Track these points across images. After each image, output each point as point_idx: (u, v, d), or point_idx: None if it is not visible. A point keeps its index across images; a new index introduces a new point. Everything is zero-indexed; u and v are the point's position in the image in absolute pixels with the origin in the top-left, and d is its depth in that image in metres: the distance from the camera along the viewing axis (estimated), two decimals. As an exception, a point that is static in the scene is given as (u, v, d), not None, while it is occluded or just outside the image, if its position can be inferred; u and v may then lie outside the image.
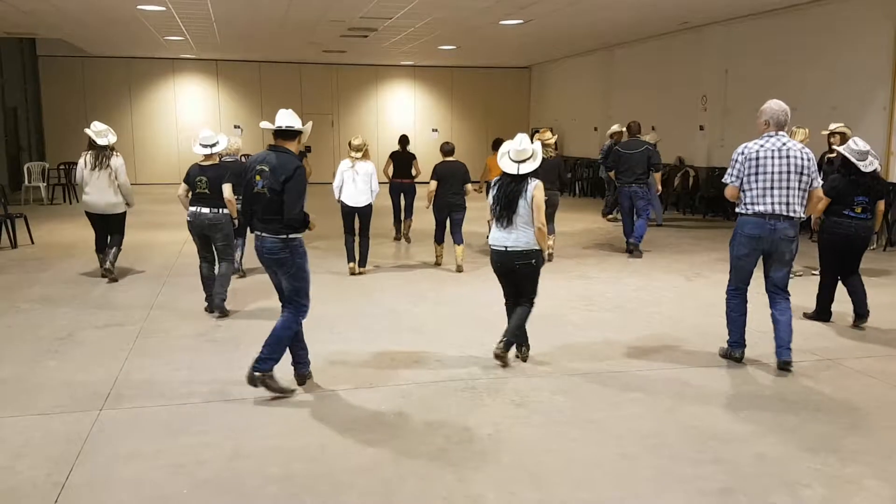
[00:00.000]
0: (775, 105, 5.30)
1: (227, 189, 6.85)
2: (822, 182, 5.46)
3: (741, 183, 5.30)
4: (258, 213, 4.82)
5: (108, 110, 19.41)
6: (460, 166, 9.07)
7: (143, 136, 20.61)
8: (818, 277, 6.88)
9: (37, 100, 19.83)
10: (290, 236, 4.78)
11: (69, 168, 16.56)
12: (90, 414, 4.54)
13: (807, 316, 6.78)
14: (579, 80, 19.90)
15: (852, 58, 11.18)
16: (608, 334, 6.33)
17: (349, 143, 8.72)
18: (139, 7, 12.23)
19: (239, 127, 20.82)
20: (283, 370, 4.93)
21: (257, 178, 4.77)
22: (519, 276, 5.42)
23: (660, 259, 9.87)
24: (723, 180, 5.51)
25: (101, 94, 20.12)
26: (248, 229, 5.18)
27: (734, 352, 5.59)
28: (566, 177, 10.13)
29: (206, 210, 6.80)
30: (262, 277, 8.16)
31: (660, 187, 11.31)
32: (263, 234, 4.81)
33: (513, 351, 5.61)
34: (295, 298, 4.87)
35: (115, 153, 8.19)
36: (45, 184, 16.48)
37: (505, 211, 5.25)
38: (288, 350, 4.94)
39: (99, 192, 8.12)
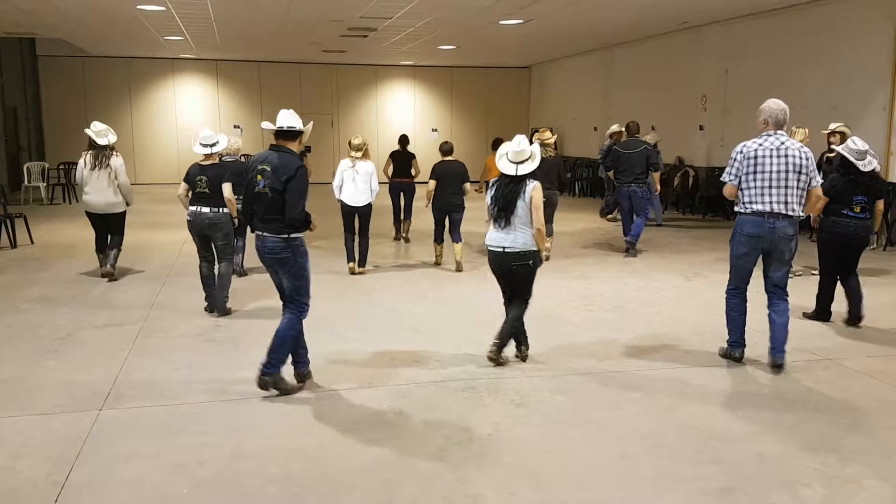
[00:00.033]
0: (774, 104, 5.31)
1: (227, 188, 6.85)
2: (821, 181, 5.47)
3: (739, 181, 5.31)
4: (259, 212, 4.83)
5: (108, 110, 19.41)
6: (459, 166, 9.07)
7: (142, 135, 20.61)
8: (818, 277, 6.88)
9: (36, 100, 19.82)
10: (292, 236, 4.79)
11: (69, 168, 16.56)
12: (90, 414, 4.54)
13: (806, 316, 6.78)
14: (579, 80, 19.90)
15: (852, 58, 11.18)
16: (608, 334, 6.33)
17: (349, 143, 8.73)
18: (139, 7, 12.22)
19: (238, 127, 20.82)
20: (284, 370, 4.92)
21: (259, 177, 4.77)
22: (516, 277, 5.42)
23: (660, 259, 9.87)
24: (721, 178, 5.52)
25: (100, 93, 20.11)
26: (249, 229, 5.18)
27: (734, 351, 5.59)
28: (566, 177, 10.13)
29: (206, 209, 6.80)
30: (262, 277, 8.16)
31: (658, 187, 11.33)
32: (265, 234, 4.82)
33: (513, 350, 5.62)
34: (296, 297, 4.87)
35: (115, 153, 8.19)
36: (44, 184, 16.47)
37: (503, 212, 5.25)
38: None
39: (99, 191, 8.13)
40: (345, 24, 14.04)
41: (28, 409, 4.62)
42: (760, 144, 5.25)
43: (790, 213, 5.21)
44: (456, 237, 9.08)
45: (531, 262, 5.33)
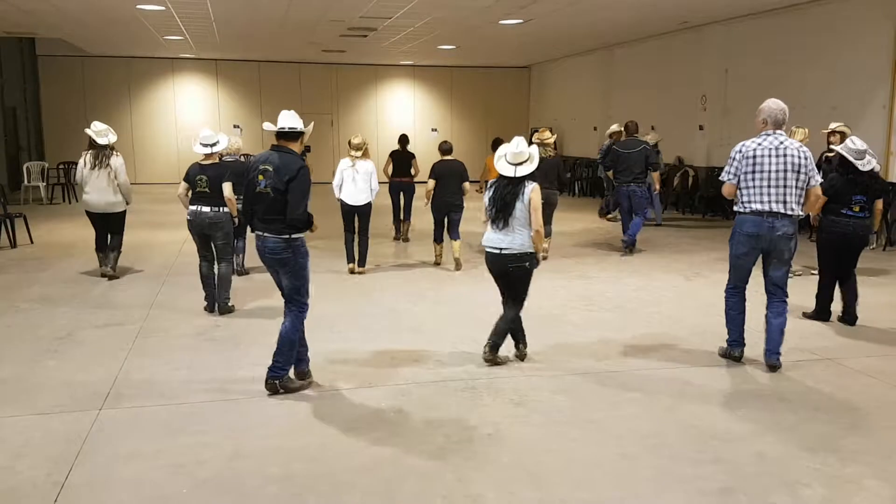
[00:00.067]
0: (773, 104, 5.31)
1: (227, 188, 6.86)
2: (820, 181, 5.47)
3: (738, 181, 5.31)
4: (259, 212, 4.83)
5: (108, 110, 19.40)
6: (458, 165, 9.07)
7: (142, 135, 20.60)
8: (817, 277, 6.88)
9: (36, 99, 19.82)
10: (293, 236, 4.79)
11: (68, 168, 16.56)
12: (90, 414, 4.54)
13: (806, 315, 6.78)
14: (579, 80, 19.90)
15: (852, 57, 11.18)
16: (608, 334, 6.33)
17: (349, 142, 8.73)
18: (139, 7, 12.22)
19: (238, 126, 20.82)
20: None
21: (260, 177, 4.77)
22: (512, 279, 5.43)
23: (659, 259, 9.87)
24: (720, 178, 5.53)
25: (100, 93, 20.11)
26: (249, 229, 5.20)
27: (733, 351, 5.59)
28: (565, 177, 10.14)
29: (206, 209, 6.80)
30: (262, 276, 8.17)
31: (657, 186, 11.34)
32: (265, 235, 4.82)
33: (511, 350, 5.62)
34: (295, 297, 4.88)
35: (115, 152, 8.20)
36: (44, 183, 16.46)
37: (501, 213, 5.26)
38: None
39: (98, 191, 8.13)
40: (345, 23, 14.04)
41: (28, 408, 4.62)
42: (759, 144, 5.25)
43: (789, 212, 5.21)
44: (454, 235, 9.09)
45: (527, 263, 5.33)
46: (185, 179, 6.92)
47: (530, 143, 8.08)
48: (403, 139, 11.49)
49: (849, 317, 6.59)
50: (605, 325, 6.64)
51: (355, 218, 8.68)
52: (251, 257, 8.25)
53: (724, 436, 4.27)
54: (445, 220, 9.10)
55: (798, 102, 10.96)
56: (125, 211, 8.43)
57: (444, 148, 9.29)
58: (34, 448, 4.08)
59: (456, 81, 22.48)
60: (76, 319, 6.71)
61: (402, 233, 11.24)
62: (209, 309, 6.98)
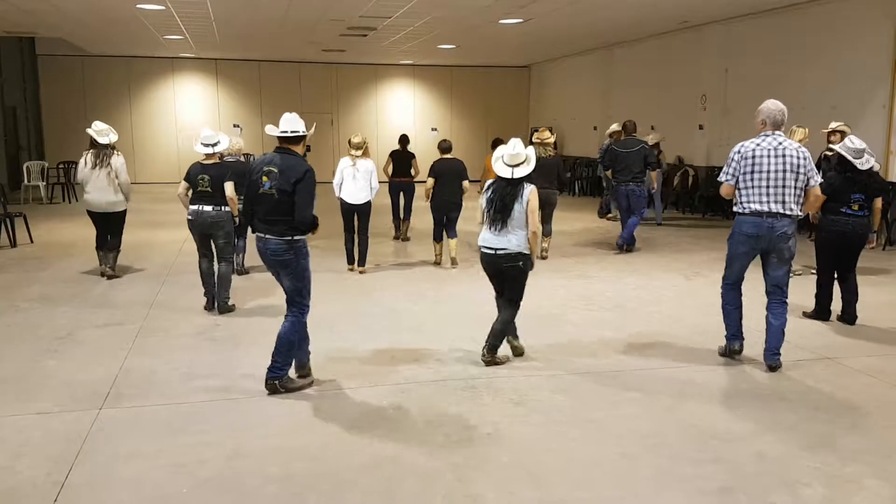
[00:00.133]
0: (772, 105, 5.33)
1: (229, 187, 6.86)
2: (820, 180, 5.48)
3: (737, 182, 5.32)
4: (261, 213, 4.83)
5: (108, 109, 19.41)
6: (458, 164, 9.07)
7: (142, 135, 20.60)
8: (816, 277, 6.88)
9: (36, 99, 19.81)
10: (295, 238, 4.80)
11: (68, 167, 16.56)
12: (90, 413, 4.54)
13: (806, 315, 6.78)
14: (579, 80, 19.89)
15: (852, 57, 11.18)
16: (608, 333, 6.33)
17: (349, 141, 8.73)
18: (139, 6, 12.22)
19: (238, 126, 20.82)
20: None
21: (264, 178, 4.77)
22: (507, 278, 5.44)
23: (659, 258, 9.87)
24: (718, 178, 5.53)
25: (100, 93, 20.10)
26: (250, 229, 5.21)
27: (732, 344, 5.60)
28: (565, 176, 10.16)
29: (208, 208, 6.81)
30: (262, 276, 8.17)
31: (655, 185, 11.38)
32: (267, 236, 4.82)
33: (510, 351, 5.63)
34: (296, 298, 4.88)
35: (115, 152, 8.21)
36: (44, 183, 16.46)
37: (499, 214, 5.27)
38: None
39: (99, 190, 8.14)
40: (344, 23, 14.04)
41: (28, 408, 4.62)
42: (758, 144, 5.26)
43: (788, 212, 5.22)
44: (451, 233, 9.12)
45: (521, 263, 5.34)
46: (186, 179, 6.92)
47: (530, 142, 8.12)
48: (404, 139, 11.49)
49: (848, 316, 6.60)
50: (604, 324, 6.64)
51: (355, 217, 8.69)
52: (251, 257, 8.26)
53: (724, 435, 4.27)
54: (444, 219, 9.11)
55: (798, 102, 10.97)
56: (125, 210, 8.43)
57: (444, 147, 9.30)
58: (34, 448, 4.08)
59: (456, 81, 22.48)
60: (76, 319, 6.71)
61: (402, 232, 11.25)
62: (209, 307, 6.99)
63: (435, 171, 9.01)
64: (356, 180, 8.51)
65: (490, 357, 5.43)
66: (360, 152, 8.55)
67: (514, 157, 5.28)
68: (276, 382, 4.82)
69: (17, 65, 18.47)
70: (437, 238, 9.30)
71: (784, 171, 5.18)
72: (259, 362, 5.16)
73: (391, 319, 6.76)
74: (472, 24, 14.12)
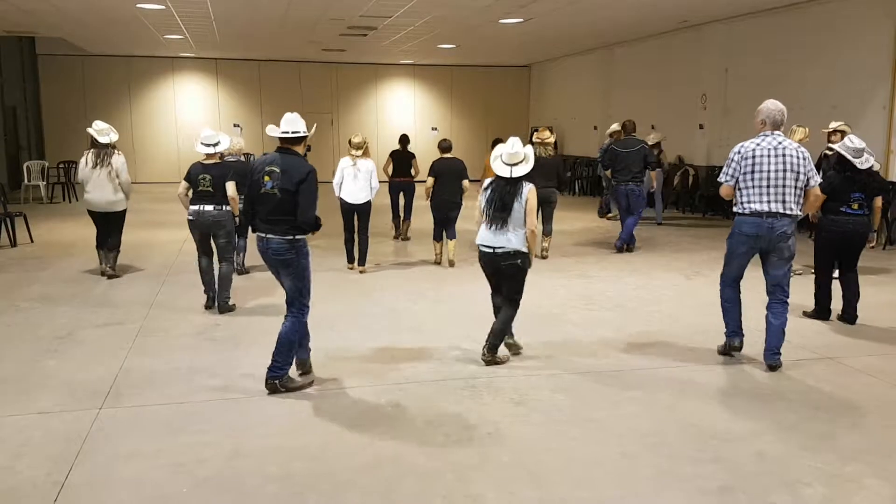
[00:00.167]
0: (772, 105, 5.34)
1: (230, 187, 6.87)
2: (819, 180, 5.48)
3: (737, 182, 5.33)
4: (263, 213, 4.84)
5: (108, 109, 19.41)
6: (458, 163, 9.07)
7: (142, 134, 20.60)
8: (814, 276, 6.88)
9: (36, 98, 19.81)
10: (296, 237, 4.80)
11: (68, 167, 16.57)
12: (90, 413, 4.54)
13: (806, 315, 6.78)
14: (579, 79, 19.89)
15: (852, 56, 11.17)
16: (608, 333, 6.33)
17: (349, 141, 8.74)
18: (139, 6, 12.22)
19: (238, 126, 20.82)
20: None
21: (266, 178, 4.78)
22: (505, 276, 5.45)
23: (659, 258, 9.87)
24: (718, 179, 5.54)
25: (100, 92, 20.10)
26: (250, 228, 5.22)
27: (733, 340, 5.61)
28: (565, 176, 10.17)
29: (209, 207, 6.81)
30: (263, 275, 8.18)
31: (655, 185, 11.41)
32: (268, 236, 4.82)
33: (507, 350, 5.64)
34: (297, 298, 4.89)
35: (116, 151, 8.22)
36: (44, 182, 16.46)
37: (499, 213, 5.27)
38: None
39: (99, 190, 8.14)
40: (344, 22, 14.04)
41: (28, 408, 4.62)
42: (758, 144, 5.27)
43: (788, 212, 5.22)
44: (451, 234, 9.12)
45: (520, 261, 5.34)
46: (187, 179, 6.92)
47: (531, 142, 8.12)
48: (404, 139, 11.49)
49: (849, 316, 6.59)
50: (605, 324, 6.64)
51: (354, 217, 8.69)
52: (251, 257, 8.27)
53: (724, 435, 4.27)
54: (444, 218, 9.11)
55: (798, 101, 10.96)
56: (125, 210, 8.44)
57: (444, 146, 9.30)
58: (34, 447, 4.08)
59: (456, 80, 22.47)
60: (76, 318, 6.71)
61: (402, 232, 11.25)
62: (209, 305, 6.99)
63: (435, 170, 9.01)
64: (356, 180, 8.51)
65: (490, 356, 5.43)
66: (360, 152, 8.56)
67: (512, 156, 5.29)
68: (277, 382, 4.82)
69: (17, 64, 18.47)
70: (437, 237, 9.30)
71: (784, 170, 5.19)
72: (259, 362, 5.16)
73: (391, 319, 6.76)
74: (472, 24, 14.12)
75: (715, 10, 12.88)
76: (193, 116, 20.63)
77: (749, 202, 5.27)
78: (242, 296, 7.40)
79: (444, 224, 9.14)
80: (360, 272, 8.73)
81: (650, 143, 12.83)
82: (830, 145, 8.63)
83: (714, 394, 4.95)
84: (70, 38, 16.95)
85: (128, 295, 7.63)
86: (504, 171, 5.31)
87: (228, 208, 6.91)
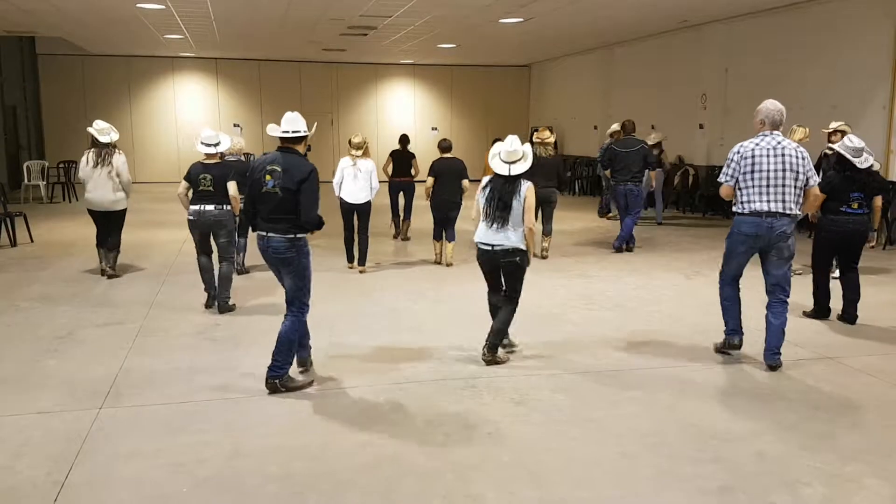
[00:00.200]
0: (771, 105, 5.35)
1: (232, 186, 6.88)
2: (818, 180, 5.49)
3: (736, 182, 5.33)
4: (264, 212, 4.85)
5: (108, 109, 19.40)
6: (458, 163, 9.07)
7: (142, 134, 20.60)
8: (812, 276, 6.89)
9: (36, 98, 19.81)
10: (297, 236, 4.82)
11: (69, 166, 16.57)
12: (90, 412, 4.54)
13: (806, 315, 6.78)
14: (579, 79, 19.89)
15: (852, 56, 11.17)
16: (608, 333, 6.33)
17: (349, 141, 8.74)
18: (139, 5, 12.22)
19: (238, 126, 20.82)
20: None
21: (268, 177, 4.80)
22: (504, 274, 5.45)
23: (660, 257, 9.87)
24: (717, 179, 5.54)
25: (100, 92, 20.10)
26: (250, 228, 5.24)
27: (732, 339, 5.61)
28: (565, 176, 10.19)
29: (210, 207, 6.82)
30: (263, 275, 8.19)
31: (654, 184, 11.43)
32: (269, 234, 4.83)
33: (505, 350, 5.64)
34: (297, 297, 4.90)
35: (117, 151, 8.23)
36: (44, 182, 16.46)
37: (500, 212, 5.27)
38: None
39: (100, 189, 8.15)
40: (345, 22, 14.04)
41: (28, 407, 4.62)
42: (757, 144, 5.28)
43: (787, 212, 5.23)
44: (450, 235, 9.11)
45: (518, 258, 5.35)
46: (187, 178, 6.91)
47: (531, 142, 8.12)
48: (404, 139, 11.49)
49: (849, 316, 6.60)
50: (605, 323, 6.64)
51: (354, 217, 8.69)
52: (252, 256, 8.27)
53: (723, 435, 4.27)
54: (444, 218, 9.11)
55: (798, 101, 10.96)
56: (126, 209, 8.44)
57: (444, 146, 9.30)
58: (34, 447, 4.08)
59: (456, 80, 22.47)
60: (76, 318, 6.71)
61: (402, 231, 11.26)
62: (209, 304, 7.00)
63: (435, 170, 9.01)
64: (357, 180, 8.52)
65: (490, 356, 5.43)
66: (360, 152, 8.56)
67: (511, 154, 5.29)
68: (277, 381, 4.83)
69: (17, 64, 18.47)
70: (437, 237, 9.30)
71: (783, 170, 5.20)
72: (259, 362, 5.16)
73: (391, 319, 6.76)
74: (472, 24, 14.12)
75: (715, 10, 12.88)
76: (193, 116, 20.63)
77: (749, 202, 5.28)
78: (242, 296, 7.40)
79: (444, 224, 9.14)
80: (361, 272, 8.73)
81: (651, 142, 12.86)
82: (830, 145, 8.64)
83: (714, 394, 4.95)
84: (70, 38, 16.94)
85: (128, 295, 7.63)
86: (503, 169, 5.31)
87: (229, 208, 6.91)
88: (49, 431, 4.28)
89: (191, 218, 6.90)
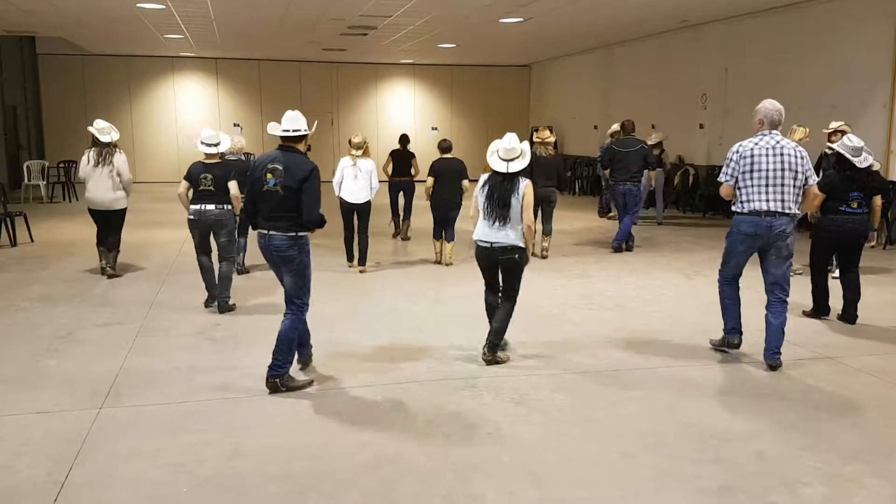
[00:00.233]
0: (769, 105, 5.37)
1: (233, 186, 6.88)
2: (817, 179, 5.50)
3: (736, 181, 5.34)
4: (265, 211, 4.86)
5: (108, 108, 19.39)
6: (458, 163, 9.07)
7: (142, 134, 20.60)
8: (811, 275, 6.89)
9: (36, 98, 19.81)
10: (299, 234, 4.83)
11: (69, 166, 16.57)
12: (90, 412, 4.54)
13: (805, 314, 6.78)
14: (579, 79, 19.89)
15: (852, 56, 11.17)
16: (608, 333, 6.33)
17: (349, 141, 8.75)
18: (139, 5, 12.21)
19: (238, 125, 20.82)
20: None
21: (269, 176, 4.81)
22: (502, 271, 5.46)
23: (660, 257, 9.87)
24: (717, 179, 5.56)
25: (100, 92, 20.10)
26: (251, 227, 5.24)
27: (732, 338, 5.62)
28: (565, 175, 10.19)
29: (211, 206, 6.82)
30: (263, 275, 8.19)
31: (653, 184, 11.43)
32: (271, 233, 4.84)
33: (507, 350, 5.63)
34: (297, 295, 4.91)
35: (118, 150, 8.23)
36: (44, 182, 16.46)
37: (499, 209, 5.27)
38: None
39: (100, 188, 8.15)
40: (345, 22, 14.03)
41: (28, 407, 4.62)
42: (756, 144, 5.29)
43: (787, 211, 5.24)
44: (449, 236, 9.11)
45: (517, 255, 5.35)
46: (187, 178, 6.91)
47: (531, 142, 8.12)
48: (404, 139, 11.49)
49: (849, 315, 6.60)
50: (605, 323, 6.64)
51: (354, 216, 8.70)
52: (252, 256, 8.27)
53: (723, 435, 4.27)
54: (444, 217, 9.11)
55: (798, 101, 10.97)
56: (126, 209, 8.44)
57: (444, 146, 9.30)
58: (34, 447, 4.08)
59: (456, 80, 22.47)
60: (76, 318, 6.71)
61: (402, 231, 11.26)
62: (209, 301, 7.00)
63: (435, 170, 9.01)
64: (357, 180, 8.52)
65: (491, 356, 5.43)
66: (360, 152, 8.57)
67: (509, 152, 5.29)
68: (278, 381, 4.83)
69: (18, 64, 18.47)
70: (437, 236, 9.30)
71: (782, 169, 5.21)
72: (259, 361, 5.16)
73: (391, 319, 6.76)
74: (472, 24, 14.11)
75: (715, 10, 12.88)
76: (193, 116, 20.62)
77: (748, 201, 5.29)
78: (242, 295, 7.40)
79: (444, 224, 9.14)
80: (361, 272, 8.73)
81: (653, 142, 12.86)
82: (830, 145, 8.64)
83: (714, 393, 4.95)
84: (70, 38, 16.94)
85: (128, 294, 7.63)
86: (500, 167, 5.31)
87: (230, 207, 6.92)
88: (49, 431, 4.28)
89: (191, 217, 6.90)
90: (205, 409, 4.64)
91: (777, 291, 5.38)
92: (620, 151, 10.15)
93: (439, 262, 9.25)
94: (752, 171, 5.25)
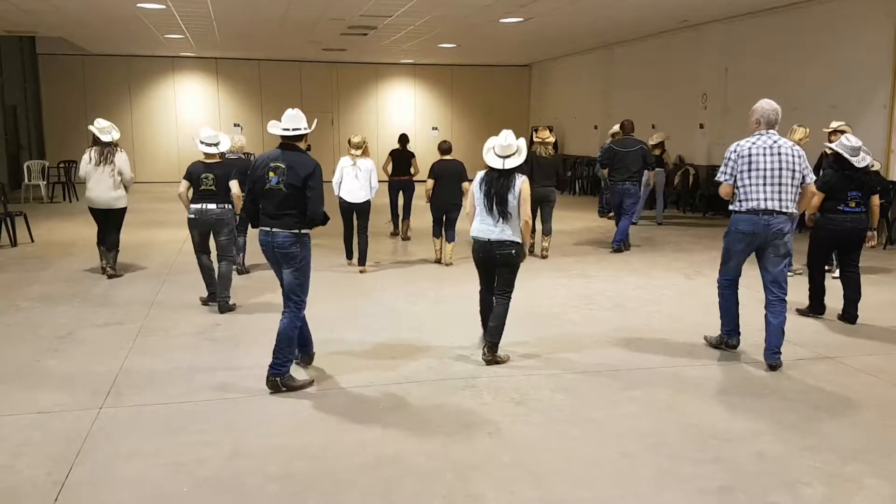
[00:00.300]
0: (766, 104, 5.40)
1: (234, 185, 6.89)
2: (814, 178, 5.51)
3: (734, 180, 5.36)
4: (268, 209, 4.87)
5: (108, 108, 19.38)
6: (457, 165, 9.07)
7: (143, 134, 20.60)
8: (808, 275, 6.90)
9: (36, 98, 19.81)
10: (302, 231, 4.84)
11: (69, 166, 16.57)
12: (90, 412, 4.54)
13: (800, 312, 6.78)
14: (579, 79, 19.89)
15: (852, 56, 11.17)
16: (608, 333, 6.33)
17: (349, 141, 8.76)
18: (139, 5, 12.22)
19: (238, 125, 20.82)
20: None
21: (271, 174, 4.82)
22: (498, 265, 5.45)
23: (660, 257, 9.87)
24: (716, 178, 5.57)
25: (100, 92, 20.10)
26: (250, 226, 5.25)
27: (730, 339, 5.65)
28: (563, 175, 10.22)
29: (212, 206, 6.83)
30: (263, 274, 8.19)
31: (652, 183, 11.44)
32: (274, 230, 4.85)
33: (505, 350, 5.63)
34: (295, 293, 4.92)
35: (118, 149, 8.24)
36: (44, 182, 16.46)
37: (498, 206, 5.28)
38: None
39: (101, 187, 8.16)
40: (345, 22, 14.03)
41: (28, 407, 4.62)
42: (753, 143, 5.32)
43: (784, 209, 5.26)
44: (450, 236, 9.11)
45: (514, 251, 5.36)
46: (187, 178, 6.92)
47: (531, 141, 8.13)
48: (403, 138, 11.50)
49: (849, 315, 6.60)
50: (605, 323, 6.64)
51: (354, 216, 8.70)
52: (252, 255, 8.27)
53: (723, 435, 4.27)
54: (444, 217, 9.11)
55: (798, 101, 10.97)
56: (126, 208, 8.44)
57: (444, 148, 9.30)
58: (34, 447, 4.08)
59: (456, 80, 22.47)
60: (77, 318, 6.71)
61: (402, 231, 11.26)
62: (209, 300, 7.00)
63: (434, 172, 9.02)
64: (357, 179, 8.53)
65: (490, 356, 5.43)
66: (360, 152, 8.59)
67: (505, 149, 5.30)
68: (278, 380, 4.84)
69: (18, 64, 18.47)
70: (437, 234, 9.31)
71: (780, 168, 5.24)
72: (259, 361, 5.17)
73: (391, 319, 6.76)
74: (472, 24, 14.11)
75: (715, 10, 12.87)
76: (194, 116, 20.62)
77: (746, 199, 5.32)
78: (242, 295, 7.40)
79: (444, 224, 9.13)
80: (361, 272, 8.73)
81: (654, 142, 12.86)
82: (830, 145, 8.64)
83: (714, 393, 4.96)
84: (70, 38, 16.94)
85: (128, 294, 7.64)
86: (496, 163, 5.32)
87: (230, 206, 6.92)
88: (49, 431, 4.28)
89: (192, 217, 6.90)
90: (205, 408, 4.64)
91: (775, 290, 5.39)
92: (620, 151, 10.16)
93: (439, 262, 9.25)
94: (749, 170, 5.27)
